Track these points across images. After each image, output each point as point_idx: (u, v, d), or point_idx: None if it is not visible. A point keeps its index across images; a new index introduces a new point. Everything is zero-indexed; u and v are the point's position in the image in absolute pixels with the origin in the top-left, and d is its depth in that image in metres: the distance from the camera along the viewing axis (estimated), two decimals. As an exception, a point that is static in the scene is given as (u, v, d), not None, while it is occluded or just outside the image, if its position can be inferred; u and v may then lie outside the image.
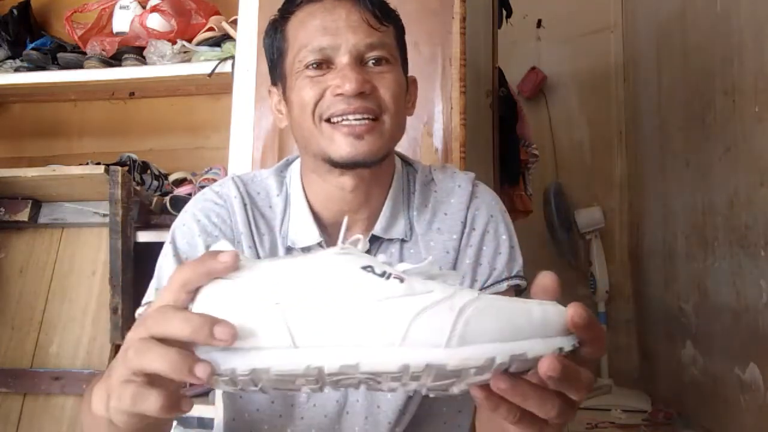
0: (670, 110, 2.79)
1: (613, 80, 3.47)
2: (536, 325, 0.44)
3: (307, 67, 0.78)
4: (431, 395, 0.47)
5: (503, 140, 2.28)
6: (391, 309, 0.44)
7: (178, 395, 0.45)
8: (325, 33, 0.77)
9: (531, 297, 0.47)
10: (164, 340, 0.45)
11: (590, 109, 3.50)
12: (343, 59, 0.77)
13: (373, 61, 0.78)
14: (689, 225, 2.53)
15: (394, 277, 0.45)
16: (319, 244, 0.82)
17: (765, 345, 1.93)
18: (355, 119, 0.76)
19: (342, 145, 0.76)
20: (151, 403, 0.44)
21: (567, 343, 0.45)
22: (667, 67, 2.83)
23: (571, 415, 0.49)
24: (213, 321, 0.43)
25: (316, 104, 0.77)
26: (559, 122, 3.51)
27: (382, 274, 0.45)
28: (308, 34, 0.78)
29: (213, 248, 0.49)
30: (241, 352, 0.44)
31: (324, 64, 0.78)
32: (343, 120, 0.76)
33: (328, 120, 0.77)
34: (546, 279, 0.47)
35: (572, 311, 0.45)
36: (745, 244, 2.05)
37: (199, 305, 0.46)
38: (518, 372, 0.45)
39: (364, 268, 0.46)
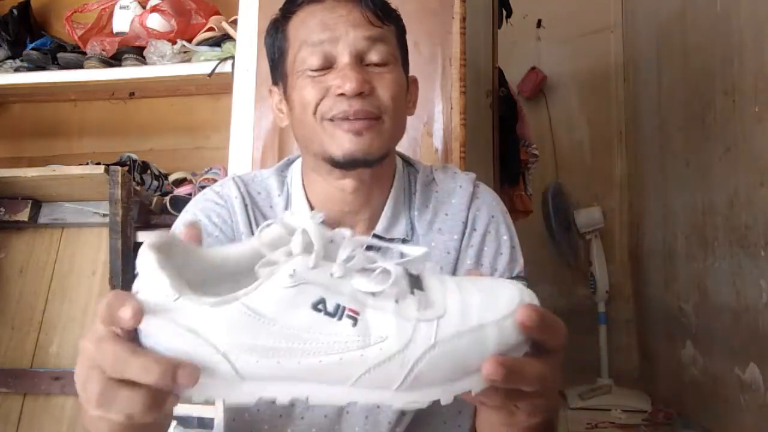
0: (670, 110, 2.79)
1: (613, 80, 3.47)
2: (487, 355, 0.44)
3: (308, 68, 0.78)
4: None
5: (503, 140, 2.28)
6: (341, 365, 0.43)
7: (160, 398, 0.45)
8: (325, 31, 0.78)
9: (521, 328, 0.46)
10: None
11: (590, 109, 3.50)
12: (343, 59, 0.77)
13: (374, 63, 0.79)
14: (689, 225, 2.53)
15: (347, 315, 0.43)
16: None
17: (765, 345, 1.93)
18: (356, 119, 0.76)
19: (343, 142, 0.76)
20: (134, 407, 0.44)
21: (519, 355, 0.45)
22: (667, 67, 2.83)
23: (535, 401, 0.49)
24: (175, 365, 0.42)
25: (317, 104, 0.78)
26: (559, 122, 3.51)
27: (335, 312, 0.43)
28: (308, 33, 0.79)
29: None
30: (200, 381, 0.43)
31: (325, 64, 0.78)
32: (345, 122, 0.77)
33: (329, 119, 0.77)
34: (521, 315, 0.46)
35: (520, 316, 0.45)
36: (745, 244, 2.05)
37: (145, 341, 0.44)
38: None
39: (315, 305, 0.43)
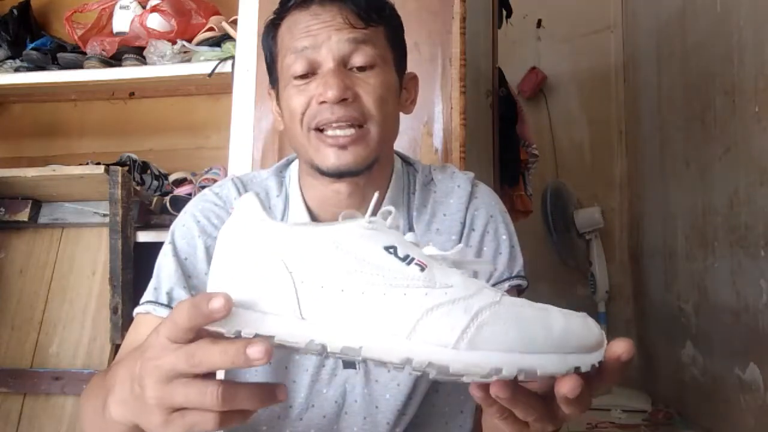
0: (670, 110, 2.79)
1: (613, 80, 3.47)
2: (555, 340, 0.42)
3: (293, 76, 0.79)
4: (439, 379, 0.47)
5: (503, 140, 2.28)
6: (404, 299, 0.42)
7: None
8: (307, 34, 0.78)
9: (604, 359, 0.44)
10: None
11: (590, 109, 3.50)
12: (326, 65, 0.77)
13: (357, 67, 0.78)
14: (689, 225, 2.53)
15: (416, 263, 0.44)
16: None
17: (765, 345, 1.93)
18: (340, 129, 0.76)
19: (327, 156, 0.77)
20: (210, 423, 0.45)
21: (586, 363, 0.43)
22: (667, 67, 2.83)
23: (552, 424, 0.49)
24: (207, 298, 0.43)
25: (303, 113, 0.78)
26: (559, 122, 3.51)
27: (404, 258, 0.44)
28: (293, 37, 0.79)
29: (237, 203, 0.48)
30: (249, 315, 0.43)
31: (309, 72, 0.78)
32: (328, 129, 0.77)
33: (316, 128, 0.78)
34: (620, 347, 0.45)
35: (624, 347, 0.44)
36: (745, 244, 2.05)
37: (217, 259, 0.46)
38: (524, 381, 0.43)
39: (387, 248, 0.44)
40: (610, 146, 3.45)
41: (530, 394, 0.45)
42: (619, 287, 3.28)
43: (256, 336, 0.43)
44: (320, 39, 0.77)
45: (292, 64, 0.78)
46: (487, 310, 0.42)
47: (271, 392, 0.45)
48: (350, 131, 0.76)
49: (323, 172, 0.78)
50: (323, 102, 0.76)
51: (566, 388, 0.42)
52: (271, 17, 0.85)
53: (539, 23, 3.56)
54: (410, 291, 0.43)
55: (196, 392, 0.44)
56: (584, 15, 3.49)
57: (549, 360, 0.41)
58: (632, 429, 2.56)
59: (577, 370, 0.42)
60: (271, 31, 0.84)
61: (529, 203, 2.67)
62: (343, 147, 0.76)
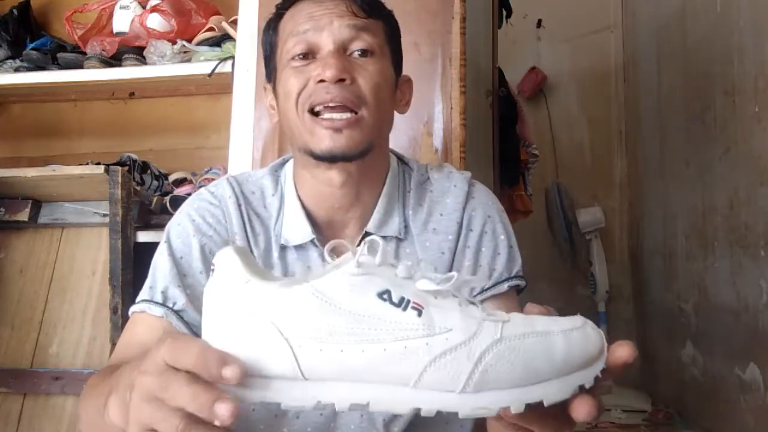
0: (670, 110, 2.79)
1: (613, 80, 3.47)
2: (558, 366, 0.42)
3: (293, 57, 0.80)
4: None
5: (503, 140, 2.28)
6: (405, 353, 0.42)
7: None
8: (310, 20, 0.79)
9: (606, 365, 0.45)
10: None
11: (590, 109, 3.50)
12: (326, 47, 0.79)
13: (358, 52, 0.80)
14: (689, 225, 2.53)
15: (412, 307, 0.43)
16: (312, 242, 0.82)
17: (765, 345, 1.93)
18: (336, 113, 0.77)
19: (322, 139, 0.77)
20: None
21: (588, 378, 0.43)
22: (667, 67, 2.83)
23: (571, 428, 0.49)
24: (221, 361, 0.42)
25: (299, 93, 0.78)
26: (559, 122, 3.51)
27: (400, 303, 0.43)
28: (295, 23, 0.80)
29: (218, 261, 0.46)
30: (253, 381, 0.43)
31: (309, 54, 0.79)
32: (324, 113, 0.77)
33: (311, 111, 0.78)
34: (623, 352, 0.45)
35: (627, 352, 0.44)
36: (745, 244, 2.05)
37: (206, 325, 0.45)
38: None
39: (380, 295, 0.43)
40: (610, 146, 3.45)
41: (543, 413, 0.45)
42: (619, 287, 3.28)
43: (262, 403, 0.43)
44: (322, 23, 0.79)
45: (292, 47, 0.80)
46: (490, 351, 0.42)
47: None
48: (346, 115, 0.77)
49: (317, 156, 0.78)
50: (321, 81, 0.76)
51: (582, 413, 0.43)
52: (275, 9, 0.86)
53: (539, 23, 3.56)
54: (410, 343, 0.42)
55: (161, 419, 0.43)
56: (584, 15, 3.49)
57: (554, 387, 0.42)
58: (632, 429, 2.56)
59: (581, 387, 0.43)
60: (273, 22, 0.86)
61: (529, 203, 2.67)
62: (337, 130, 0.77)
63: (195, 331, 0.79)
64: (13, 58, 1.82)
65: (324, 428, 0.82)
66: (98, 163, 1.61)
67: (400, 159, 0.92)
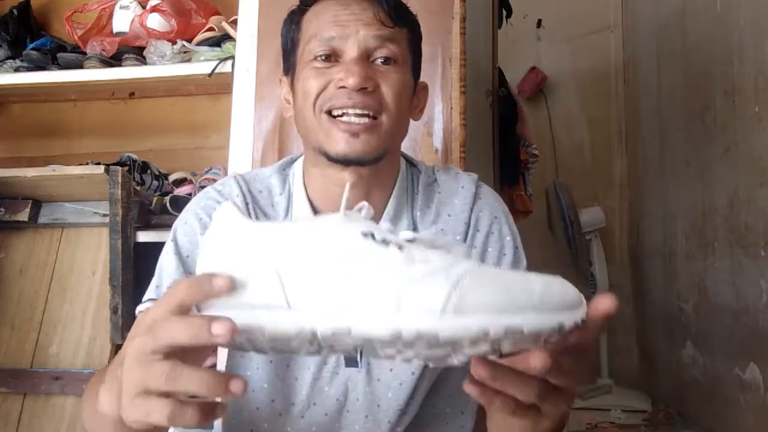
0: (670, 110, 2.79)
1: (613, 80, 3.47)
2: (537, 300, 0.43)
3: (315, 58, 0.79)
4: (431, 365, 0.48)
5: (503, 140, 2.28)
6: (386, 275, 0.44)
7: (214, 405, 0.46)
8: (336, 24, 0.78)
9: (588, 318, 0.45)
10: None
11: (590, 109, 3.50)
12: (350, 53, 0.78)
13: (381, 60, 0.79)
14: (689, 225, 2.53)
15: (394, 245, 0.45)
16: None
17: (765, 345, 1.93)
18: (355, 115, 0.76)
19: (338, 141, 0.77)
20: (190, 416, 0.45)
21: (570, 320, 0.43)
22: (667, 67, 2.83)
23: (561, 400, 0.49)
24: (210, 276, 0.45)
25: (318, 95, 0.78)
26: (559, 122, 3.51)
27: (382, 241, 0.45)
28: (320, 24, 0.80)
29: (217, 213, 0.50)
30: (239, 309, 0.45)
31: (332, 56, 0.79)
32: (342, 115, 0.77)
33: (329, 112, 0.78)
34: (605, 303, 0.46)
35: (608, 303, 0.45)
36: (745, 244, 2.05)
37: (202, 265, 0.48)
38: (509, 353, 0.44)
39: (365, 234, 0.46)
40: (610, 146, 3.45)
41: (516, 372, 0.46)
42: (619, 287, 3.28)
43: (248, 328, 0.45)
44: (348, 31, 0.78)
45: (315, 48, 0.79)
46: (468, 276, 0.43)
47: (223, 383, 0.44)
48: (364, 120, 0.77)
49: (331, 158, 0.78)
50: (342, 87, 0.76)
51: (535, 362, 0.43)
52: (299, 3, 0.85)
53: (539, 23, 3.56)
54: (390, 270, 0.44)
55: (152, 372, 0.44)
56: (584, 15, 3.48)
57: (534, 317, 0.42)
58: (632, 429, 2.56)
59: (561, 328, 0.43)
60: (296, 16, 0.85)
61: (529, 203, 2.67)
62: (355, 134, 0.76)
63: None
64: (13, 58, 1.83)
65: (329, 428, 0.82)
66: (98, 163, 1.61)
67: (409, 161, 0.92)
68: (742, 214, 2.08)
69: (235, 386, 0.43)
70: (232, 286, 0.45)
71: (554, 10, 3.49)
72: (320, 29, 0.79)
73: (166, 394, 0.44)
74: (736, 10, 2.12)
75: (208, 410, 0.45)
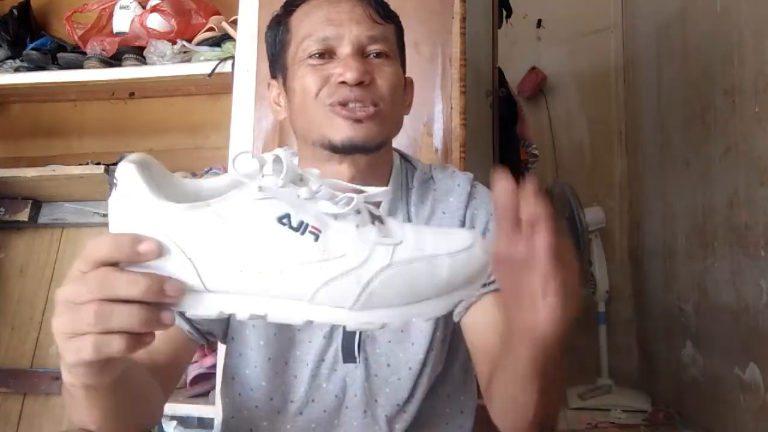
0: (670, 110, 2.79)
1: (613, 80, 3.47)
2: (441, 285, 0.46)
3: (310, 56, 0.80)
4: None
5: (503, 140, 2.28)
6: (300, 275, 0.45)
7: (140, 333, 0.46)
8: (329, 24, 0.80)
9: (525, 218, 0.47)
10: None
11: (590, 109, 3.50)
12: (345, 49, 0.79)
13: (374, 54, 0.81)
14: (689, 225, 2.53)
15: (310, 231, 0.45)
16: None
17: (765, 345, 1.93)
18: (359, 104, 0.78)
19: (341, 128, 0.78)
20: (116, 344, 0.45)
21: (467, 295, 0.48)
22: (667, 67, 2.83)
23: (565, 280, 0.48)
24: (160, 279, 0.44)
25: (318, 91, 0.79)
26: (559, 122, 3.51)
27: (298, 227, 0.45)
28: (312, 24, 0.81)
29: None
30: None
31: (326, 54, 0.80)
32: (348, 104, 0.78)
33: (330, 105, 0.79)
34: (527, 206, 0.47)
35: (527, 204, 0.46)
36: (745, 244, 2.05)
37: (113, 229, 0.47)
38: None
39: (280, 219, 0.45)
40: (610, 146, 3.45)
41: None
42: (619, 287, 3.28)
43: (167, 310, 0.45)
44: (342, 30, 0.80)
45: (309, 47, 0.80)
46: (377, 278, 0.45)
47: (157, 283, 0.44)
48: (369, 108, 0.78)
49: (335, 147, 0.79)
50: (341, 82, 0.78)
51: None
52: (283, 7, 0.86)
53: (539, 23, 3.56)
54: (305, 267, 0.45)
55: (75, 314, 0.46)
56: (584, 15, 3.48)
57: (432, 305, 0.46)
58: (632, 429, 2.56)
59: (460, 303, 0.48)
60: (282, 18, 0.86)
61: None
62: (358, 120, 0.78)
63: (200, 329, 0.80)
64: (13, 58, 1.82)
65: (327, 425, 0.82)
66: (98, 163, 1.61)
67: (403, 157, 0.93)
68: (742, 214, 2.08)
69: (170, 287, 0.44)
70: (158, 253, 0.44)
71: (554, 10, 3.49)
72: (314, 29, 0.80)
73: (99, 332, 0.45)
74: (736, 10, 2.12)
75: (135, 338, 0.45)
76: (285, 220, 0.45)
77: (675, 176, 2.69)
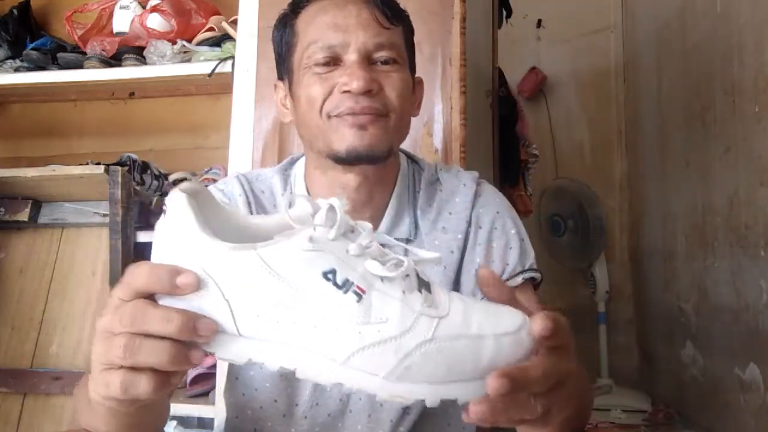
0: (670, 110, 2.79)
1: (613, 80, 3.47)
2: (483, 368, 0.43)
3: (315, 64, 0.79)
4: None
5: (503, 140, 2.28)
6: (336, 335, 0.43)
7: (167, 374, 0.45)
8: (335, 30, 0.78)
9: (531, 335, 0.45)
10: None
11: (590, 109, 3.50)
12: (351, 57, 0.78)
13: (382, 61, 0.79)
14: (689, 225, 2.53)
15: (354, 291, 0.43)
16: None
17: (765, 345, 1.93)
18: (363, 115, 0.77)
19: (347, 136, 0.77)
20: (143, 387, 0.45)
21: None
22: (667, 67, 2.83)
23: (562, 400, 0.48)
24: (194, 317, 0.43)
25: (324, 101, 0.78)
26: (559, 122, 3.51)
27: (342, 285, 0.43)
28: (318, 30, 0.79)
29: (170, 201, 0.47)
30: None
31: (332, 61, 0.78)
32: (350, 114, 0.77)
33: (336, 116, 0.78)
34: (537, 325, 0.45)
35: (538, 326, 0.44)
36: (745, 244, 2.05)
37: (155, 257, 0.47)
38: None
39: (325, 274, 0.43)
40: (610, 146, 3.45)
41: (501, 398, 0.45)
42: (619, 287, 3.28)
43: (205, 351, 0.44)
44: (348, 37, 0.78)
45: (315, 54, 0.78)
46: (418, 351, 0.43)
47: (192, 321, 0.43)
48: (371, 116, 0.77)
49: (340, 158, 0.78)
50: (346, 91, 0.76)
51: (475, 414, 0.44)
52: (290, 6, 0.85)
53: (539, 23, 3.56)
54: (343, 327, 0.43)
55: (109, 344, 0.45)
56: (584, 15, 3.48)
57: (471, 387, 0.44)
58: (632, 429, 2.56)
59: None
60: (288, 19, 0.84)
61: (530, 203, 2.66)
62: (363, 127, 0.76)
63: None
64: (13, 58, 1.83)
65: (332, 428, 0.82)
66: (98, 163, 1.61)
67: (411, 158, 0.92)
68: (742, 214, 2.08)
69: (203, 327, 0.43)
70: (196, 288, 0.43)
71: (554, 10, 3.48)
72: (319, 36, 0.78)
73: (128, 367, 0.44)
74: (736, 10, 2.12)
75: (163, 378, 0.45)
76: (330, 276, 0.43)
77: (675, 176, 2.69)
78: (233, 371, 0.86)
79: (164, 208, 0.46)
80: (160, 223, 0.46)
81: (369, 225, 0.47)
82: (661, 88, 2.91)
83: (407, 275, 0.45)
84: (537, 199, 3.00)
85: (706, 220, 2.37)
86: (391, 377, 0.43)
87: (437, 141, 1.33)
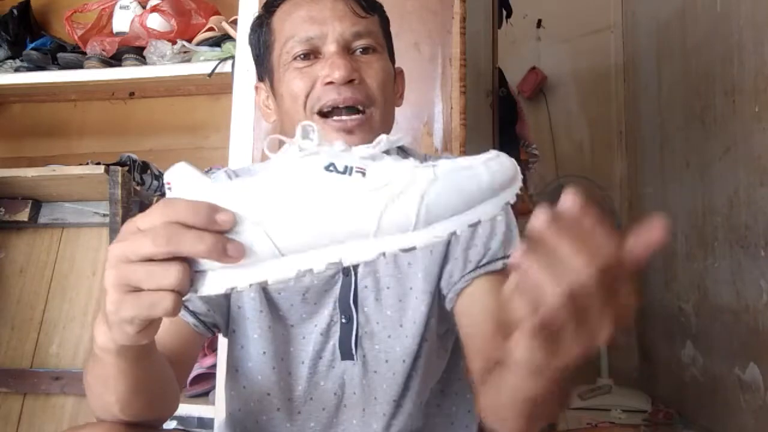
0: (670, 110, 2.79)
1: (613, 80, 3.47)
2: (485, 190, 0.50)
3: (294, 58, 0.79)
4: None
5: (503, 140, 2.28)
6: (360, 206, 0.47)
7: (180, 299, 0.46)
8: (312, 23, 0.78)
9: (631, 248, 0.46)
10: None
11: (590, 109, 3.50)
12: (330, 48, 0.78)
13: (360, 50, 0.79)
14: (689, 225, 2.53)
15: (356, 171, 0.48)
16: None
17: (765, 345, 1.93)
18: (346, 112, 0.76)
19: (332, 142, 0.76)
20: (165, 303, 0.44)
21: (511, 195, 0.51)
22: (667, 67, 2.83)
23: (583, 335, 0.45)
24: (224, 239, 0.44)
25: (307, 95, 0.78)
26: (559, 122, 3.51)
27: (345, 170, 0.48)
28: (294, 24, 0.79)
29: (172, 174, 0.49)
30: (238, 269, 0.47)
31: (311, 54, 0.78)
32: (333, 112, 0.77)
33: (320, 112, 0.78)
34: (567, 201, 0.44)
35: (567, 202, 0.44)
36: (745, 244, 2.05)
37: None
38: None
39: (327, 167, 0.48)
40: (610, 146, 3.45)
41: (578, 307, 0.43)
42: (619, 287, 3.28)
43: (252, 285, 0.47)
44: (325, 28, 0.78)
45: (293, 48, 0.78)
46: (429, 191, 0.48)
47: (221, 241, 0.44)
48: (356, 115, 0.77)
49: None
50: (329, 83, 0.76)
51: (568, 201, 0.43)
52: (264, 7, 0.85)
53: (539, 23, 3.56)
54: (361, 200, 0.47)
55: (131, 267, 0.44)
56: (584, 15, 3.48)
57: (486, 207, 0.50)
58: (632, 429, 2.56)
59: (507, 204, 0.51)
60: (264, 19, 0.84)
61: (530, 203, 2.67)
62: (350, 131, 0.77)
63: (205, 321, 0.80)
64: (13, 58, 1.83)
65: (327, 423, 0.82)
66: (98, 163, 1.61)
67: (401, 149, 0.92)
68: (742, 214, 2.08)
69: (233, 248, 0.44)
70: (232, 224, 0.45)
71: (554, 10, 3.49)
72: (296, 29, 0.79)
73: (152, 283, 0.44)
74: (736, 10, 2.12)
75: (179, 301, 0.45)
76: (332, 167, 0.48)
77: (675, 176, 2.69)
78: (233, 364, 0.85)
79: (168, 184, 0.48)
80: (170, 194, 0.48)
81: (339, 140, 0.51)
82: (661, 88, 2.91)
83: (388, 152, 0.51)
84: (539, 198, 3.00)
85: (706, 220, 2.37)
86: (419, 225, 0.48)
87: (437, 141, 1.33)
